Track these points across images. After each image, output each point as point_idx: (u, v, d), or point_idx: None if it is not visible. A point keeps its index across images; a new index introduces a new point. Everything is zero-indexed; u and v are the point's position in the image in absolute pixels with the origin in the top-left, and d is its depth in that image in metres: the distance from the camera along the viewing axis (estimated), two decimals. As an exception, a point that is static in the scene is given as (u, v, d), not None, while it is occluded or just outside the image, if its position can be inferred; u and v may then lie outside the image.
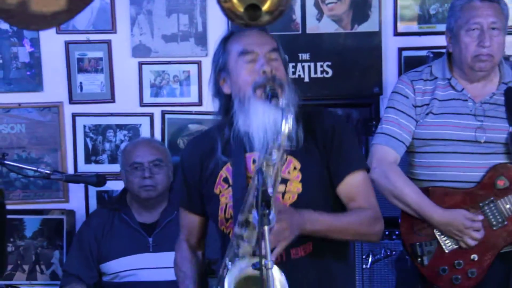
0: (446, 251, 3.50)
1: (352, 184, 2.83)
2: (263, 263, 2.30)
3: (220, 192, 2.86)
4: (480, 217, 3.45)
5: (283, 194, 2.77)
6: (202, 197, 2.94)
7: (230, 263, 2.62)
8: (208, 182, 2.90)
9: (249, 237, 2.61)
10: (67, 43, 4.69)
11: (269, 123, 2.65)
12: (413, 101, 3.58)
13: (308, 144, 2.81)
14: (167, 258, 4.06)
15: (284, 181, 2.76)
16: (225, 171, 2.86)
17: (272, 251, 2.46)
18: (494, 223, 3.47)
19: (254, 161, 2.78)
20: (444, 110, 3.53)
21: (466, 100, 3.53)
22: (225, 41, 2.88)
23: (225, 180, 2.86)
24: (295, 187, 2.77)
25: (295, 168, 2.79)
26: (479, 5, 3.45)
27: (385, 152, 3.51)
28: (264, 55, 2.79)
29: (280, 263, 2.59)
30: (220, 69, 2.87)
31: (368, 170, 2.92)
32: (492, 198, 3.47)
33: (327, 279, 2.83)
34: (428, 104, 3.55)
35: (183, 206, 3.05)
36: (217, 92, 2.91)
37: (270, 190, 2.47)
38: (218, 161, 2.87)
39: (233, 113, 2.83)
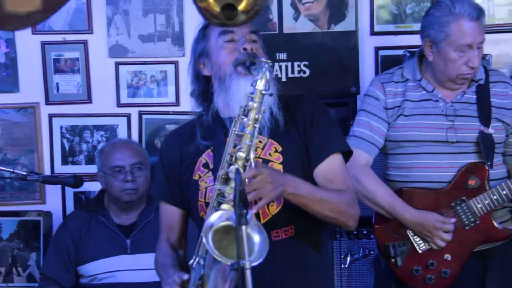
0: (419, 251, 3.52)
1: (331, 166, 2.83)
2: (240, 263, 2.29)
3: (200, 177, 2.85)
4: (453, 220, 3.47)
5: None
6: (181, 187, 2.93)
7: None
8: (187, 170, 2.89)
9: (229, 193, 2.58)
10: (43, 44, 4.67)
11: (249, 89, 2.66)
12: (384, 103, 3.59)
13: (288, 127, 2.82)
14: (145, 259, 4.07)
15: (265, 162, 2.76)
16: (205, 157, 2.85)
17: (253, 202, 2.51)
18: (467, 222, 3.49)
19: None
20: (415, 111, 3.55)
21: (437, 101, 3.55)
22: (204, 28, 2.92)
23: (205, 165, 2.85)
24: (276, 168, 2.77)
25: (276, 151, 2.80)
26: (471, 26, 3.43)
27: (356, 155, 3.50)
28: (244, 35, 2.81)
29: None
30: (200, 54, 2.89)
31: (349, 152, 2.91)
32: (463, 198, 3.49)
33: (304, 264, 2.83)
34: (399, 106, 3.57)
35: (163, 199, 3.02)
36: (196, 76, 2.92)
37: (249, 142, 2.56)
38: (199, 146, 2.86)
39: (211, 95, 2.84)
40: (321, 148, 2.82)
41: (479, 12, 3.45)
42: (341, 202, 2.75)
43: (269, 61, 2.66)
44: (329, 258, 3.06)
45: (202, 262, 2.60)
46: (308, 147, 2.82)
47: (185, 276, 2.64)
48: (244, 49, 2.78)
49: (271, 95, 2.68)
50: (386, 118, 3.58)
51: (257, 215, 2.71)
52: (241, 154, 2.59)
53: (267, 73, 2.61)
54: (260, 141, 2.76)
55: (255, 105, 2.61)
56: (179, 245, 3.03)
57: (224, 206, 2.57)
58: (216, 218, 2.49)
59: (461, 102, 3.54)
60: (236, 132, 2.62)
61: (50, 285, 4.17)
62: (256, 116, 2.61)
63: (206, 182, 2.83)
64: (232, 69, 2.77)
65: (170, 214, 3.01)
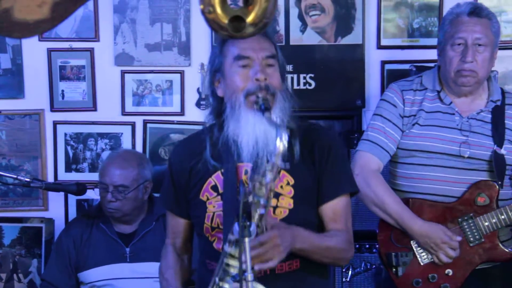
0: (421, 263, 3.50)
1: (338, 206, 2.85)
2: (243, 275, 2.29)
3: (208, 199, 2.84)
4: (459, 238, 3.45)
5: (275, 208, 2.76)
6: (188, 201, 2.92)
7: (220, 281, 2.59)
8: (195, 187, 2.88)
9: (234, 268, 2.57)
10: (50, 51, 4.67)
11: (259, 135, 2.65)
12: (401, 111, 3.57)
13: (303, 160, 2.80)
14: (143, 268, 4.08)
15: (276, 196, 2.75)
16: (215, 179, 2.84)
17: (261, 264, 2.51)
18: (472, 239, 3.47)
19: (246, 172, 2.77)
20: (430, 122, 3.53)
21: (453, 114, 3.53)
22: (223, 43, 2.86)
23: (214, 188, 2.84)
24: (287, 202, 2.77)
25: (288, 183, 2.79)
26: (467, 20, 3.45)
27: (368, 160, 3.51)
28: (260, 62, 2.76)
29: (263, 276, 2.59)
30: (216, 70, 2.85)
31: (355, 192, 2.94)
32: (471, 214, 3.48)
33: None
34: (415, 115, 3.55)
35: (169, 209, 3.03)
36: (212, 92, 2.89)
37: (262, 211, 2.47)
38: (208, 166, 2.84)
39: (224, 117, 2.81)
40: (332, 187, 2.83)
41: (476, 9, 3.46)
42: (340, 249, 2.81)
43: (286, 128, 2.54)
44: (330, 280, 3.08)
45: None
46: (319, 182, 2.82)
47: None
48: (257, 79, 2.72)
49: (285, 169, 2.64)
50: (401, 126, 3.56)
51: None
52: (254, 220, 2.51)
53: (285, 140, 2.47)
54: None
55: (272, 178, 2.49)
56: (185, 250, 3.07)
57: (232, 270, 2.55)
58: None
59: (476, 119, 3.53)
60: (250, 200, 2.51)
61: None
62: (272, 187, 2.52)
63: (214, 207, 2.82)
64: (242, 99, 2.73)
65: (176, 223, 3.03)
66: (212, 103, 2.89)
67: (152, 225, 4.16)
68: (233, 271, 2.57)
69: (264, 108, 2.65)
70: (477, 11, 3.46)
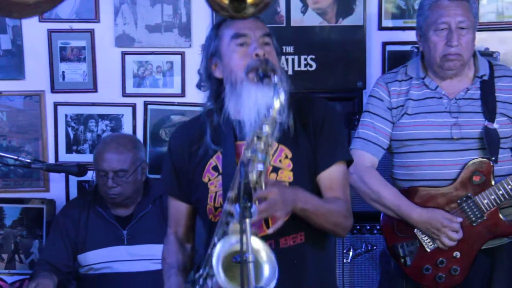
0: (428, 250, 3.51)
1: (334, 174, 2.85)
2: (244, 256, 2.29)
3: (209, 180, 2.85)
4: (459, 219, 3.46)
5: None
6: (190, 185, 2.92)
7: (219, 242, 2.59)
8: (196, 170, 2.89)
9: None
10: (50, 32, 4.66)
11: (261, 105, 2.64)
12: (388, 103, 3.59)
13: (299, 133, 2.82)
14: (141, 250, 4.09)
15: (276, 170, 2.77)
16: (215, 160, 2.85)
17: (266, 222, 2.57)
18: (474, 219, 3.48)
19: None
20: (419, 109, 3.54)
21: (441, 98, 3.54)
22: (217, 26, 2.88)
23: (215, 168, 2.85)
24: (286, 175, 2.78)
25: (286, 157, 2.80)
26: (447, 4, 3.45)
27: (361, 157, 3.53)
28: (257, 39, 2.79)
29: None
30: (212, 54, 2.86)
31: (351, 161, 2.94)
32: (469, 194, 3.49)
33: (313, 268, 2.85)
34: (403, 106, 3.57)
35: (171, 194, 3.02)
36: (208, 76, 2.90)
37: (260, 166, 2.51)
38: (208, 149, 2.86)
39: (223, 98, 2.82)
40: (328, 155, 2.84)
41: None
42: (340, 215, 2.80)
43: (283, 83, 2.61)
44: (333, 259, 3.08)
45: (209, 283, 2.60)
46: (316, 152, 2.83)
47: None
48: (257, 55, 2.75)
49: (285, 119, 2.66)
50: (390, 118, 3.58)
51: (266, 222, 2.71)
52: (253, 177, 2.54)
53: (282, 97, 2.56)
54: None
55: (269, 131, 2.57)
56: (187, 239, 3.05)
57: (232, 226, 2.55)
58: (224, 245, 2.48)
59: (465, 99, 3.54)
60: (248, 156, 2.57)
61: (45, 270, 4.14)
62: (270, 142, 2.58)
63: (215, 187, 2.83)
64: (244, 75, 2.74)
65: (178, 209, 3.02)
66: (210, 87, 2.90)
67: (148, 207, 4.17)
68: (232, 230, 2.56)
69: (264, 75, 2.68)
70: None
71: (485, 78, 3.56)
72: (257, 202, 2.53)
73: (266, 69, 2.71)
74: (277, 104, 2.56)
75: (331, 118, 2.88)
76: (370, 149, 3.57)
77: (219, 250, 2.47)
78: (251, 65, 2.74)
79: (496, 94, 3.53)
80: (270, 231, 2.55)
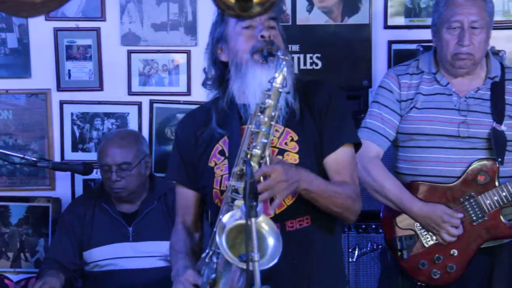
0: (426, 245, 3.51)
1: (340, 157, 2.84)
2: (249, 256, 2.29)
3: (216, 164, 2.85)
4: (460, 215, 3.46)
5: None
6: (196, 171, 2.92)
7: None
8: (203, 156, 2.89)
9: (242, 190, 2.55)
10: (56, 30, 4.67)
11: (266, 84, 2.65)
12: (398, 96, 3.58)
13: (305, 116, 2.82)
14: (146, 247, 4.10)
15: (281, 152, 2.78)
16: (222, 144, 2.86)
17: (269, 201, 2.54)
18: (474, 218, 3.48)
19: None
20: (428, 104, 3.54)
21: (451, 95, 3.54)
22: (223, 12, 2.89)
23: (221, 152, 2.85)
24: (292, 157, 2.78)
25: (292, 140, 2.80)
26: (462, 2, 3.45)
27: (367, 147, 3.52)
28: (262, 22, 2.80)
29: None
30: (218, 39, 2.88)
31: (359, 144, 2.93)
32: (472, 193, 3.49)
33: (320, 252, 2.85)
34: (412, 99, 3.56)
35: (179, 182, 3.02)
36: (214, 61, 2.91)
37: (265, 140, 2.55)
38: (214, 134, 2.87)
39: (227, 80, 2.84)
40: (334, 137, 2.83)
41: None
42: (347, 197, 2.78)
43: (287, 58, 2.63)
44: (341, 247, 3.06)
45: (215, 259, 2.60)
46: (322, 134, 2.83)
47: (199, 280, 2.63)
48: (262, 36, 2.77)
49: (288, 93, 2.67)
50: (399, 111, 3.57)
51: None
52: (257, 151, 2.59)
53: (285, 70, 2.60)
54: (276, 130, 2.77)
55: (271, 102, 2.61)
56: (195, 228, 3.04)
57: (237, 202, 2.57)
58: (228, 218, 2.49)
59: (474, 98, 3.53)
60: (251, 129, 2.61)
61: (52, 268, 4.15)
62: (273, 114, 2.61)
63: (222, 170, 2.83)
64: (249, 56, 2.76)
65: (186, 197, 3.01)
66: (215, 72, 2.91)
67: (154, 204, 4.17)
68: (236, 206, 2.58)
69: (268, 54, 2.71)
70: None
71: (497, 79, 3.55)
72: (261, 179, 2.54)
73: (271, 49, 2.73)
74: (279, 76, 2.58)
75: (337, 100, 2.87)
76: (376, 139, 3.56)
77: (222, 223, 2.47)
78: (257, 46, 2.76)
79: (506, 97, 3.53)
80: (270, 211, 2.54)
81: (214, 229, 2.60)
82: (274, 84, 2.60)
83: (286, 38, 2.93)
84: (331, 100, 2.85)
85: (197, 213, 3.03)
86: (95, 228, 4.20)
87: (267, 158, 2.59)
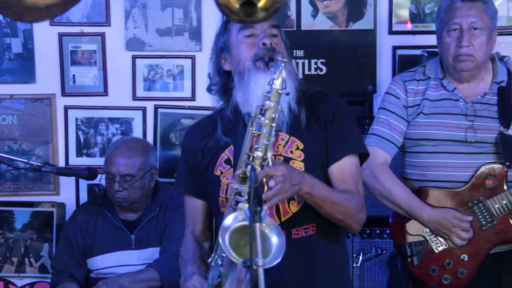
0: (436, 251, 3.50)
1: (345, 167, 2.85)
2: (253, 260, 2.28)
3: (222, 173, 2.86)
4: (469, 218, 3.46)
5: None
6: (203, 180, 2.93)
7: None
8: (209, 165, 2.90)
9: (246, 193, 2.57)
10: (61, 35, 4.68)
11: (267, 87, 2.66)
12: (405, 102, 3.58)
13: (310, 124, 2.84)
14: (149, 254, 4.09)
15: (287, 160, 2.78)
16: (227, 153, 2.87)
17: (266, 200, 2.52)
18: (484, 223, 3.47)
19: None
20: (435, 110, 3.53)
21: (458, 100, 3.53)
22: (227, 22, 2.93)
23: (227, 161, 2.86)
24: (298, 166, 2.78)
25: (297, 148, 2.81)
26: (460, 5, 3.46)
27: (374, 153, 3.51)
28: (264, 30, 2.82)
29: None
30: (221, 48, 2.90)
31: (366, 155, 2.94)
32: (481, 198, 3.48)
33: (325, 260, 2.85)
34: (419, 105, 3.56)
35: (187, 192, 3.02)
36: (218, 71, 2.93)
37: (266, 141, 2.56)
38: (220, 142, 2.88)
39: (232, 86, 2.86)
40: (338, 147, 2.84)
41: None
42: (351, 206, 2.78)
43: (285, 60, 2.64)
44: (346, 253, 3.06)
45: (220, 261, 2.60)
46: (327, 144, 2.84)
47: (205, 285, 2.64)
48: (264, 44, 2.78)
49: (287, 94, 2.67)
50: (406, 117, 3.57)
51: (278, 213, 2.73)
52: (259, 154, 2.59)
53: (284, 72, 2.61)
54: (282, 138, 2.78)
55: (272, 104, 2.61)
56: (205, 238, 3.04)
57: (241, 205, 2.57)
58: (232, 219, 2.49)
59: (481, 103, 3.53)
60: (253, 132, 2.62)
61: (64, 278, 4.17)
62: (273, 115, 2.61)
63: (227, 179, 2.84)
64: (252, 64, 2.78)
65: (194, 206, 3.02)
66: (219, 81, 2.93)
67: (155, 211, 4.17)
68: (241, 205, 2.58)
69: (269, 60, 2.73)
70: None
71: (503, 84, 3.55)
72: (264, 180, 2.54)
73: (272, 55, 2.74)
74: (278, 78, 2.60)
75: (342, 111, 2.89)
76: (384, 146, 3.56)
77: (225, 225, 2.47)
78: (259, 53, 2.78)
79: None
80: (264, 207, 2.48)
81: (218, 231, 2.60)
82: (273, 86, 2.61)
83: (289, 46, 2.94)
84: (337, 110, 2.87)
85: (206, 222, 3.03)
86: (97, 236, 4.20)
87: (269, 160, 2.59)
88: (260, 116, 2.62)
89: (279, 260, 2.40)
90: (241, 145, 2.75)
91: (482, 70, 3.55)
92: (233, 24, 2.87)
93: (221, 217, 2.82)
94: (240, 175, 2.62)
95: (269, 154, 2.59)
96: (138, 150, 4.18)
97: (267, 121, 2.60)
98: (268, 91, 2.62)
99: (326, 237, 2.84)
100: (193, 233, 3.02)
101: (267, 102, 2.61)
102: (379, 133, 3.58)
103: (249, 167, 2.54)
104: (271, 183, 2.53)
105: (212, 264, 2.65)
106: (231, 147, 2.86)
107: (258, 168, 2.58)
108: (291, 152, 2.80)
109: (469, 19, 3.44)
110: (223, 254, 2.57)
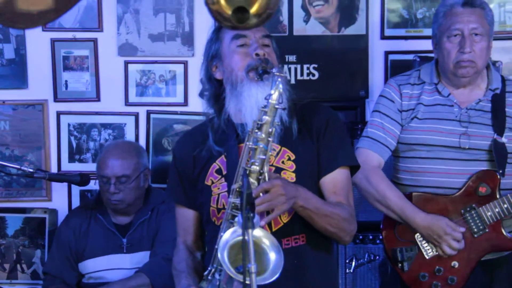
0: (427, 257, 3.50)
1: (336, 179, 2.86)
2: (246, 267, 2.28)
3: (213, 183, 2.86)
4: (462, 229, 3.45)
5: None
6: (194, 189, 2.93)
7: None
8: (200, 175, 2.90)
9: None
10: (53, 41, 4.67)
11: (262, 102, 2.67)
12: (399, 105, 3.58)
13: (302, 135, 2.84)
14: (140, 258, 4.09)
15: (278, 170, 2.79)
16: (219, 163, 2.87)
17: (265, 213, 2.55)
18: (475, 230, 3.47)
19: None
20: (429, 115, 3.53)
21: (452, 106, 3.53)
22: (218, 29, 2.93)
23: (218, 171, 2.86)
24: (289, 176, 2.80)
25: (289, 159, 2.82)
26: (461, 11, 3.46)
27: (368, 156, 3.52)
28: (257, 40, 2.83)
29: None
30: (213, 56, 2.90)
31: (356, 167, 2.95)
32: (473, 205, 3.47)
33: (314, 270, 2.85)
34: (413, 109, 3.55)
35: (178, 202, 3.02)
36: (209, 78, 2.93)
37: (263, 156, 2.58)
38: (211, 152, 2.88)
39: (223, 99, 2.86)
40: (331, 159, 2.85)
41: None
42: (342, 219, 2.80)
43: (282, 74, 2.65)
44: (335, 263, 3.08)
45: (217, 276, 2.60)
46: (319, 155, 2.85)
47: None
48: (257, 54, 2.79)
49: (284, 109, 2.69)
50: (400, 120, 3.57)
51: (269, 223, 2.74)
52: (255, 168, 2.60)
53: (280, 86, 2.62)
54: (273, 149, 2.78)
55: (268, 119, 2.62)
56: (197, 247, 3.04)
57: (237, 219, 2.56)
58: (230, 234, 2.49)
59: (475, 109, 3.53)
60: (249, 146, 2.62)
61: (55, 283, 4.16)
62: (270, 130, 2.63)
63: (219, 188, 2.84)
64: (244, 74, 2.78)
65: (185, 216, 3.02)
66: (210, 89, 2.93)
67: (147, 215, 4.18)
68: (236, 223, 2.58)
69: (263, 72, 2.73)
70: (470, 1, 3.47)
71: (497, 91, 3.55)
72: (260, 194, 2.56)
73: (266, 67, 2.75)
74: (275, 92, 2.60)
75: (334, 123, 2.90)
76: (377, 149, 3.56)
77: (224, 240, 2.48)
78: (252, 64, 2.79)
79: (506, 109, 3.53)
80: (262, 223, 2.54)
81: (216, 246, 2.61)
82: (270, 100, 2.62)
83: (281, 52, 2.95)
84: (328, 123, 2.88)
85: (198, 232, 3.03)
86: (89, 240, 4.20)
87: (266, 174, 2.60)
88: (256, 130, 2.62)
89: (277, 276, 2.42)
90: (233, 155, 2.76)
91: (479, 77, 3.56)
92: (225, 32, 2.87)
93: (211, 227, 2.84)
94: (237, 189, 2.62)
95: (265, 169, 2.60)
96: (131, 151, 4.20)
97: (263, 136, 2.61)
98: (265, 105, 2.63)
99: (316, 247, 2.86)
100: (185, 243, 3.02)
101: (264, 117, 2.62)
102: (373, 135, 3.58)
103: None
104: (265, 197, 2.55)
105: (209, 277, 2.66)
106: (223, 157, 2.86)
107: (254, 182, 2.58)
108: (283, 162, 2.81)
109: (471, 25, 3.44)
110: (220, 267, 2.57)
